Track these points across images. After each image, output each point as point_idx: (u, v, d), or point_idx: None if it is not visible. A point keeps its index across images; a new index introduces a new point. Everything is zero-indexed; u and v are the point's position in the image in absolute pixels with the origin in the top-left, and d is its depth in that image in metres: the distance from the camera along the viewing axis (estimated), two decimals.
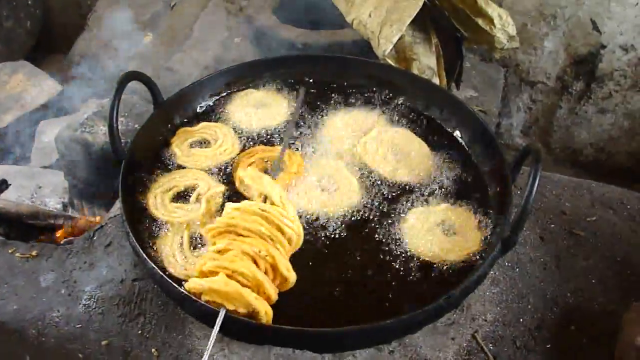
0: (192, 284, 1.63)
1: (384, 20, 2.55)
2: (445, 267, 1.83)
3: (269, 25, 3.12)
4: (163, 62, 3.62)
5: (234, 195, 2.03)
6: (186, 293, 1.62)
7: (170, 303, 1.98)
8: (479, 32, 2.74)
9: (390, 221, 1.96)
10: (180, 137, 2.22)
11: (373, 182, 2.10)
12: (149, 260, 1.71)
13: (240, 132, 2.28)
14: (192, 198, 2.01)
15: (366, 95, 2.44)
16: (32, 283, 2.15)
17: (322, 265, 1.85)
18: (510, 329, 1.96)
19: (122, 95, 1.98)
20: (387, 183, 2.09)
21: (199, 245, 1.89)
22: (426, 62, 2.69)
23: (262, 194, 1.87)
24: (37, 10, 4.70)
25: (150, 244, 1.88)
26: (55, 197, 3.03)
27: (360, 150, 2.18)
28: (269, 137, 2.28)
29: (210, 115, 2.36)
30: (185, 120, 2.32)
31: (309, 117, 2.34)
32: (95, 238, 2.26)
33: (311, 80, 2.51)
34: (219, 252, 1.69)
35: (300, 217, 1.94)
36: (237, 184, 2.05)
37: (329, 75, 2.50)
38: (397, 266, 1.83)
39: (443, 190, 2.06)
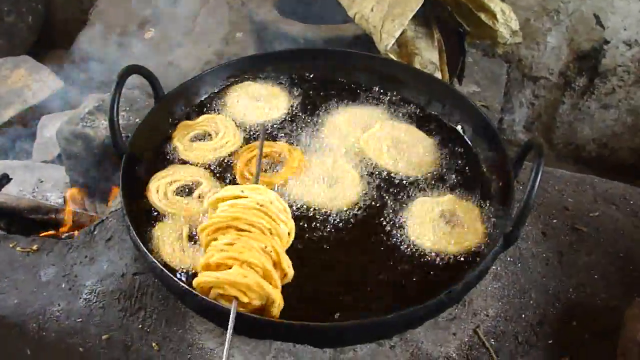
0: (205, 278, 1.60)
1: (386, 15, 2.54)
2: (446, 259, 1.82)
3: (270, 20, 3.10)
4: (165, 57, 3.62)
5: None
6: (187, 287, 1.60)
7: (170, 297, 1.98)
8: (481, 26, 2.73)
9: (392, 214, 1.95)
10: (181, 131, 2.21)
11: (376, 176, 2.08)
12: (149, 254, 1.70)
13: (241, 125, 2.27)
14: (195, 194, 2.00)
15: (368, 90, 2.42)
16: (32, 277, 2.16)
17: (324, 259, 1.83)
18: (512, 324, 1.96)
19: (122, 89, 1.96)
20: (390, 176, 2.08)
21: (197, 239, 1.88)
22: (428, 56, 2.68)
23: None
24: (38, 5, 4.70)
25: (149, 235, 1.87)
26: (56, 192, 3.04)
27: (363, 144, 2.17)
28: (269, 130, 2.26)
29: (211, 108, 2.34)
30: (187, 114, 2.31)
31: (311, 111, 2.33)
32: (96, 232, 2.26)
33: (312, 75, 2.50)
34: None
35: (301, 211, 1.94)
36: (238, 180, 2.04)
37: (331, 69, 2.49)
38: (398, 258, 1.82)
39: (446, 183, 2.05)
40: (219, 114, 2.31)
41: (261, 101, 2.36)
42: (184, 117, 2.29)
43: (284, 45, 3.02)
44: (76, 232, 2.47)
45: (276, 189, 1.99)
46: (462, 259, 1.81)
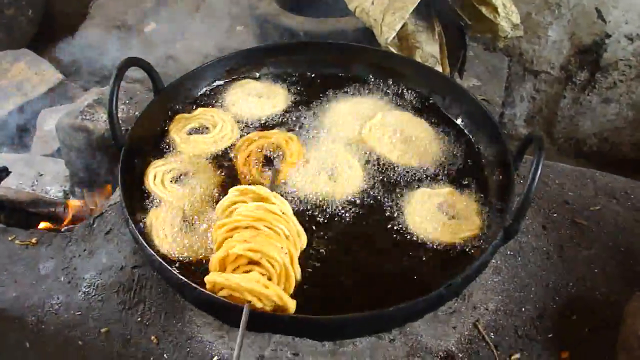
0: (223, 280, 1.58)
1: (387, 8, 2.53)
2: (445, 250, 1.82)
3: (271, 13, 3.10)
4: (165, 50, 3.61)
5: (236, 183, 2.01)
6: (185, 280, 1.60)
7: (169, 290, 1.98)
8: (482, 20, 2.72)
9: (394, 205, 1.95)
10: (178, 124, 2.21)
11: (378, 166, 2.08)
12: (148, 247, 1.70)
13: (239, 119, 2.26)
14: (191, 183, 2.00)
15: (368, 82, 2.42)
16: (31, 270, 2.16)
17: (325, 250, 1.83)
18: (512, 318, 1.95)
19: (121, 81, 1.96)
20: (393, 167, 2.08)
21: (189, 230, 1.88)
22: (429, 50, 2.67)
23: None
24: None
25: (144, 222, 1.87)
26: (56, 185, 3.04)
27: (365, 135, 2.17)
28: (267, 124, 2.25)
29: (210, 102, 2.34)
30: (185, 107, 2.30)
31: (311, 104, 2.32)
32: (95, 225, 2.26)
33: (312, 68, 2.49)
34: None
35: (302, 203, 1.95)
36: (239, 175, 2.03)
37: (331, 62, 2.49)
38: (398, 249, 1.83)
39: (447, 174, 2.05)
40: (218, 107, 2.31)
41: (260, 95, 2.36)
42: (182, 110, 2.29)
43: (284, 38, 3.01)
44: (75, 225, 2.47)
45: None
46: (460, 250, 1.82)
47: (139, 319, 1.96)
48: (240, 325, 1.47)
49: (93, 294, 2.04)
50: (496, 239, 1.70)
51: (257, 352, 1.85)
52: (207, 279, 1.61)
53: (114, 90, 1.92)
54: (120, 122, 1.99)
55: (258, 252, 1.61)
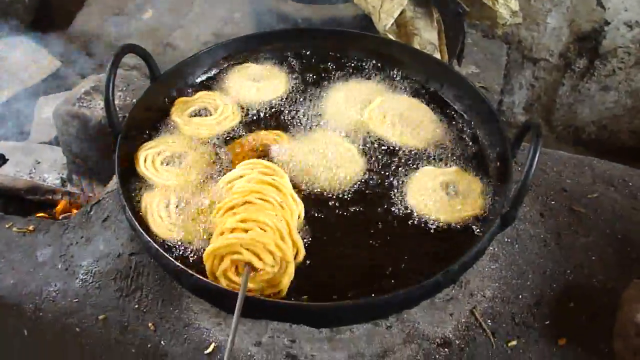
0: (220, 242, 1.60)
1: None
2: (445, 229, 1.84)
3: (268, 0, 3.09)
4: (163, 38, 3.60)
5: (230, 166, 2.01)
6: (182, 267, 1.60)
7: (167, 278, 1.98)
8: (481, 7, 2.71)
9: (396, 186, 1.96)
10: (179, 107, 2.21)
11: (379, 148, 2.09)
12: (145, 234, 1.70)
13: (239, 104, 2.26)
14: (184, 164, 2.00)
15: (367, 69, 2.41)
16: (29, 258, 2.15)
17: (328, 236, 1.83)
18: (509, 305, 1.95)
19: (118, 68, 1.96)
20: (395, 149, 2.09)
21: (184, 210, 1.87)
22: (427, 37, 2.66)
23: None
24: None
25: (137, 204, 1.88)
26: (53, 173, 3.03)
27: (366, 118, 2.17)
28: (267, 110, 2.25)
29: (208, 88, 2.33)
30: (183, 93, 2.29)
31: (310, 90, 2.32)
32: (92, 213, 2.25)
33: (310, 54, 2.48)
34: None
35: (305, 189, 1.95)
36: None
37: (329, 49, 2.48)
38: (399, 229, 1.84)
39: (448, 156, 2.06)
40: (217, 92, 2.30)
41: (259, 81, 2.35)
42: (180, 96, 2.27)
43: (282, 25, 3.00)
44: (73, 212, 2.47)
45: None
46: (461, 229, 1.84)
47: (136, 306, 1.96)
48: (236, 307, 1.47)
49: (90, 281, 2.03)
50: (493, 226, 1.70)
51: (255, 338, 1.85)
52: (206, 251, 1.62)
53: (111, 77, 1.91)
54: (117, 109, 1.98)
55: (249, 220, 1.62)
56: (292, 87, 2.34)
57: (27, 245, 2.19)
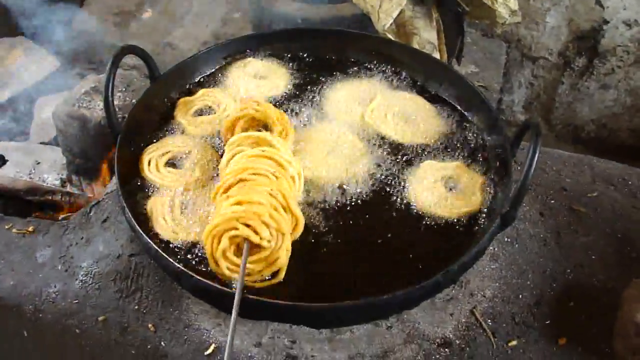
0: (216, 220, 1.60)
1: None
2: (445, 224, 1.84)
3: (268, 0, 3.09)
4: (163, 38, 3.60)
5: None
6: (182, 268, 1.60)
7: (166, 279, 1.97)
8: (480, 6, 2.70)
9: (399, 183, 1.97)
10: (183, 107, 2.21)
11: (382, 146, 2.09)
12: (144, 235, 1.69)
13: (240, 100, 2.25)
14: (187, 165, 2.00)
15: (366, 69, 2.41)
16: (28, 259, 2.15)
17: (332, 233, 1.83)
18: (509, 305, 1.95)
19: (118, 69, 1.96)
20: (397, 145, 2.10)
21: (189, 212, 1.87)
22: (427, 36, 2.66)
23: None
24: None
25: (143, 209, 1.87)
26: (53, 173, 3.03)
27: (368, 116, 2.17)
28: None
29: (209, 86, 2.33)
30: (183, 93, 2.29)
31: (310, 88, 2.32)
32: (92, 214, 2.25)
33: (310, 54, 2.48)
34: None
35: (307, 186, 1.94)
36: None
37: (329, 49, 2.48)
38: (400, 226, 1.85)
39: (450, 152, 2.07)
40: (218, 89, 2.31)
41: (260, 79, 2.36)
42: (180, 97, 2.27)
43: (281, 25, 3.00)
44: (73, 214, 2.47)
45: None
46: (461, 229, 1.84)
47: (136, 307, 1.96)
48: (234, 304, 1.47)
49: (90, 282, 2.03)
50: (493, 226, 1.70)
51: (255, 339, 1.85)
52: (204, 233, 1.62)
53: (110, 77, 1.92)
54: (117, 109, 1.99)
55: (243, 202, 1.62)
56: (293, 86, 2.34)
57: (26, 246, 2.19)
